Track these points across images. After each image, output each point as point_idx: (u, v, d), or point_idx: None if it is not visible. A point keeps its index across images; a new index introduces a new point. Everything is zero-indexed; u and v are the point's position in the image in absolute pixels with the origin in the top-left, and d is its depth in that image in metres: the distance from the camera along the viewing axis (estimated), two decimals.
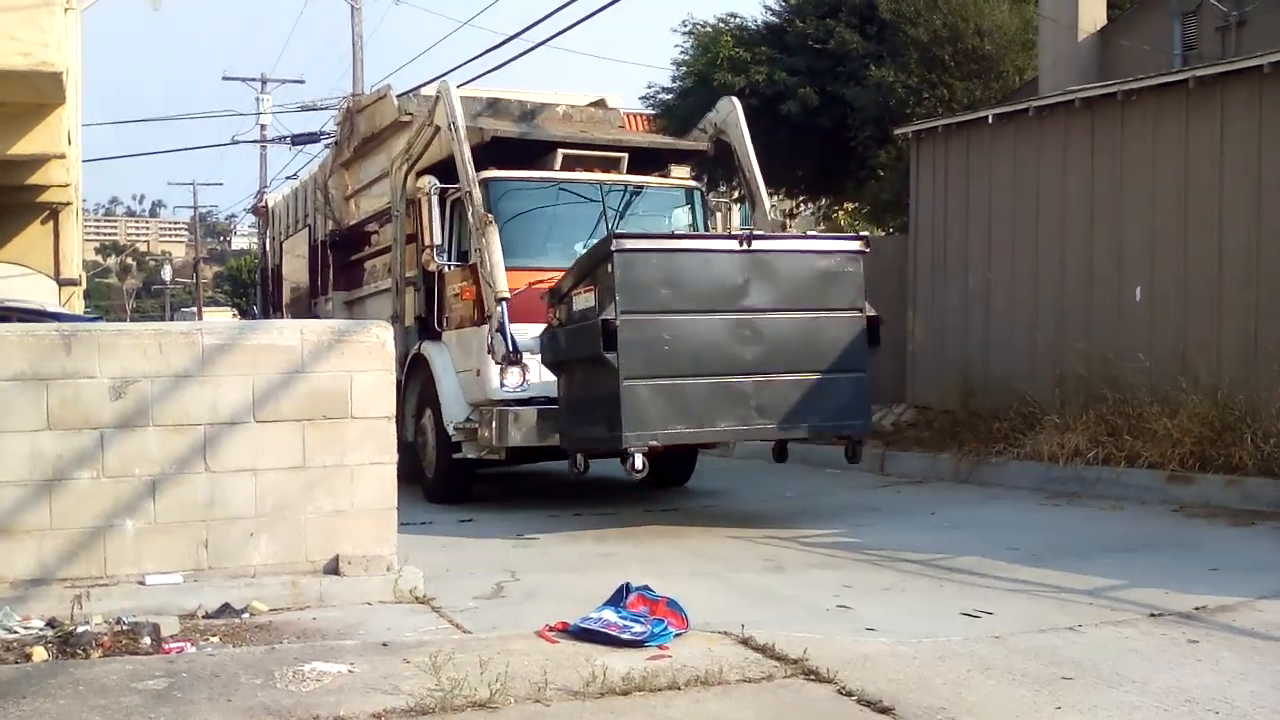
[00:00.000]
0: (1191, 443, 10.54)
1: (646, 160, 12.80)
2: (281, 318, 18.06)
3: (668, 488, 12.61)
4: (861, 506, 11.18)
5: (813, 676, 5.19)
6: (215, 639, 6.14)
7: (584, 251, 10.35)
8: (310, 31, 50.01)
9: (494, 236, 10.80)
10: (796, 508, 11.34)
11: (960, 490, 11.88)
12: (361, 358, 7.18)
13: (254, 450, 6.98)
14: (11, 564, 6.62)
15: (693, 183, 13.03)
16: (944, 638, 6.00)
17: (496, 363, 10.62)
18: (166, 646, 5.95)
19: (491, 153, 11.66)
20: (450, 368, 11.83)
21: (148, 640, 6.00)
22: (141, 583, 6.79)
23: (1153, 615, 6.42)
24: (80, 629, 6.12)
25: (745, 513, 11.13)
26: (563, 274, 10.18)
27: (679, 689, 5.02)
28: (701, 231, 12.22)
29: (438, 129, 11.71)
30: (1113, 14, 16.99)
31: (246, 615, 6.64)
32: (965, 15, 17.96)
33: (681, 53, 21.34)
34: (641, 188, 12.33)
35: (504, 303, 10.55)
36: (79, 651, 5.81)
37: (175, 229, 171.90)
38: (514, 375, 10.70)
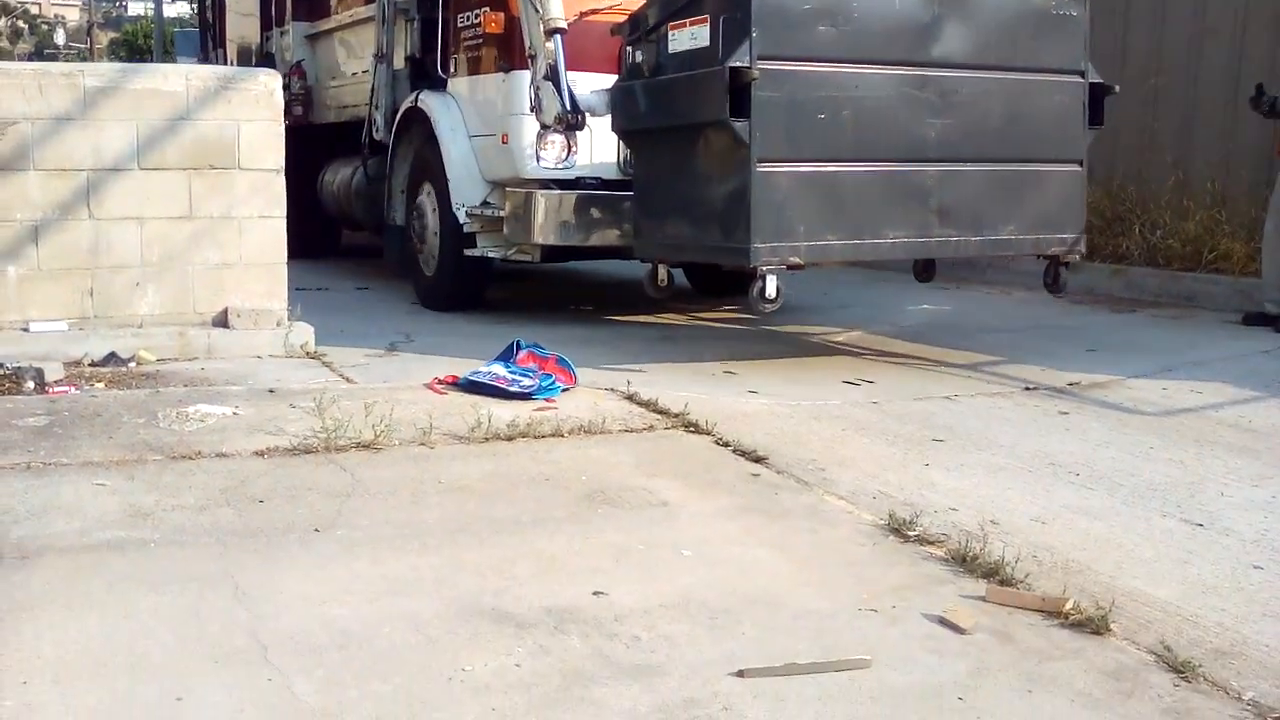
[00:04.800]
0: None
1: None
2: (222, 55, 15.19)
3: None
4: None
5: (692, 429, 5.32)
6: (101, 384, 6.10)
7: None
8: None
9: None
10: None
11: (851, 272, 11.97)
12: (249, 106, 6.98)
13: (139, 198, 6.82)
14: None
15: None
16: (823, 401, 6.15)
17: (544, 125, 7.75)
18: (50, 390, 5.91)
19: None
20: (461, 129, 8.88)
21: (31, 384, 5.96)
22: (25, 329, 6.71)
23: (1027, 389, 6.62)
24: None
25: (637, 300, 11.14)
26: None
27: (562, 437, 5.13)
28: None
29: None
30: None
31: (133, 364, 6.59)
32: None
33: None
34: None
35: (559, 36, 7.52)
36: None
37: None
38: (555, 145, 8.07)
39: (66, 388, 5.97)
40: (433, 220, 9.21)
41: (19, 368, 6.14)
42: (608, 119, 7.56)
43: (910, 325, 8.73)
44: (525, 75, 7.89)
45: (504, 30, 8.33)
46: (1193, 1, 11.01)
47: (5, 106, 6.60)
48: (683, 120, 6.89)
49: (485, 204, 8.64)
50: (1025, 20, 7.30)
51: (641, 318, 8.87)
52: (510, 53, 8.26)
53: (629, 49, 7.37)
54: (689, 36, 6.81)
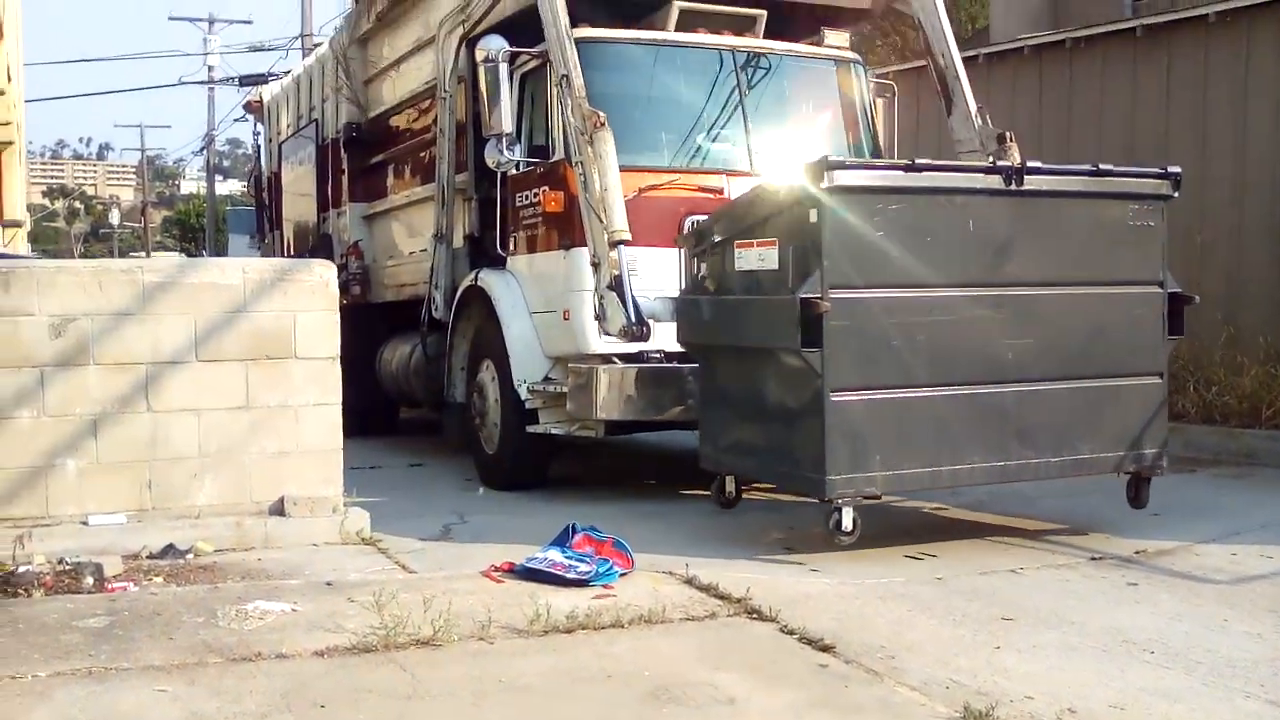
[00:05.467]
0: None
1: (787, 23, 9.57)
2: (279, 236, 15.56)
3: None
4: None
5: (755, 615, 5.23)
6: (159, 579, 6.11)
7: (760, 185, 7.23)
8: None
9: (608, 146, 7.75)
10: None
11: None
12: (305, 297, 7.09)
13: (196, 390, 6.91)
14: None
15: (852, 55, 9.61)
16: (886, 580, 6.05)
17: (608, 333, 7.86)
18: (109, 586, 5.91)
19: (579, 10, 8.58)
20: (522, 306, 8.87)
21: (90, 580, 5.97)
22: (85, 523, 6.73)
23: (1094, 559, 6.52)
24: (22, 569, 6.07)
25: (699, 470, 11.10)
26: (696, 195, 7.87)
27: (623, 627, 5.05)
28: (934, 161, 7.21)
29: None
30: None
31: (191, 556, 6.59)
32: None
33: None
34: (783, 58, 9.15)
35: (623, 248, 7.67)
36: (20, 591, 5.76)
37: (123, 172, 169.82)
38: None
39: (125, 583, 5.97)
40: (494, 397, 9.13)
41: (79, 563, 6.15)
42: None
43: (971, 493, 8.60)
44: (585, 253, 7.95)
45: (564, 209, 8.35)
46: (1232, 158, 11.10)
47: (67, 303, 6.73)
48: (751, 343, 6.81)
49: (547, 380, 8.57)
50: (1102, 233, 7.14)
51: (701, 490, 8.65)
52: (570, 230, 8.28)
53: (693, 260, 7.34)
54: (757, 256, 6.73)
